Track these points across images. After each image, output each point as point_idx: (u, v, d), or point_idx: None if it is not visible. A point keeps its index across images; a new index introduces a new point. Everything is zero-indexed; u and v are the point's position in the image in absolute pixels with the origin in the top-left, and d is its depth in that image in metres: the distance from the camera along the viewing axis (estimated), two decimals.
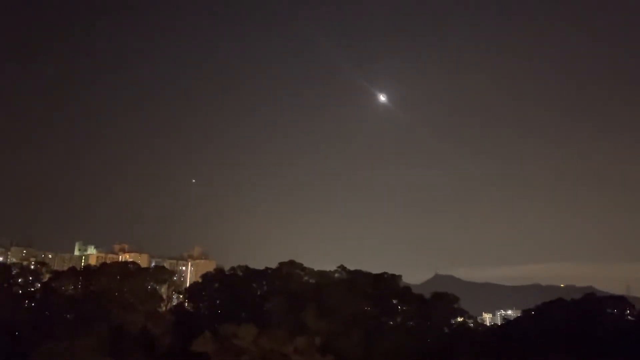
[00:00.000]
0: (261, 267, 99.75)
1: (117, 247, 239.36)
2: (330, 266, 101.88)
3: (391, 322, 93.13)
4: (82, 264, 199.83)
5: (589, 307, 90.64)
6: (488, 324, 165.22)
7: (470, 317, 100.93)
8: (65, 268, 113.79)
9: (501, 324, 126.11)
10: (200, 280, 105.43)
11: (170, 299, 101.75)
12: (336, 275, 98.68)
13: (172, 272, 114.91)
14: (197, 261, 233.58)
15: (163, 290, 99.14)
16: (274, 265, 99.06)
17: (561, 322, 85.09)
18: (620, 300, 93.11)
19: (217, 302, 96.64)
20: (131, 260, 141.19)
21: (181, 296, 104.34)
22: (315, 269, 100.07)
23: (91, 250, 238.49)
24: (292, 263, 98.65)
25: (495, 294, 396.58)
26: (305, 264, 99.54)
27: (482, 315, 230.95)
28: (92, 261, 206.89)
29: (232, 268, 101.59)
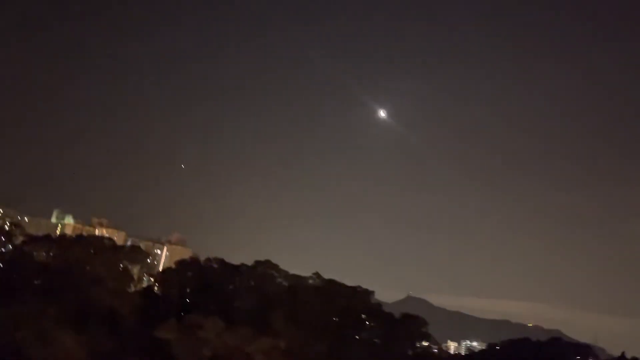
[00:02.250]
0: (237, 262, 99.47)
1: (95, 220, 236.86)
2: (305, 272, 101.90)
3: (357, 337, 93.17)
4: (58, 232, 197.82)
5: (554, 351, 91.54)
6: (452, 352, 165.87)
7: (435, 343, 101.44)
8: (41, 234, 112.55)
9: (465, 355, 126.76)
10: (174, 266, 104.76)
11: (141, 280, 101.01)
12: (310, 281, 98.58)
13: (147, 254, 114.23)
14: (174, 247, 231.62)
15: (135, 270, 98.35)
16: (250, 262, 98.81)
17: None
18: (586, 349, 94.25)
19: (188, 290, 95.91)
20: (108, 236, 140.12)
21: (152, 279, 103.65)
22: (290, 273, 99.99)
23: (69, 220, 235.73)
24: (267, 263, 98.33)
25: (464, 324, 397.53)
26: (281, 266, 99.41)
27: (447, 342, 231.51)
28: (69, 231, 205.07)
29: (208, 259, 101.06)
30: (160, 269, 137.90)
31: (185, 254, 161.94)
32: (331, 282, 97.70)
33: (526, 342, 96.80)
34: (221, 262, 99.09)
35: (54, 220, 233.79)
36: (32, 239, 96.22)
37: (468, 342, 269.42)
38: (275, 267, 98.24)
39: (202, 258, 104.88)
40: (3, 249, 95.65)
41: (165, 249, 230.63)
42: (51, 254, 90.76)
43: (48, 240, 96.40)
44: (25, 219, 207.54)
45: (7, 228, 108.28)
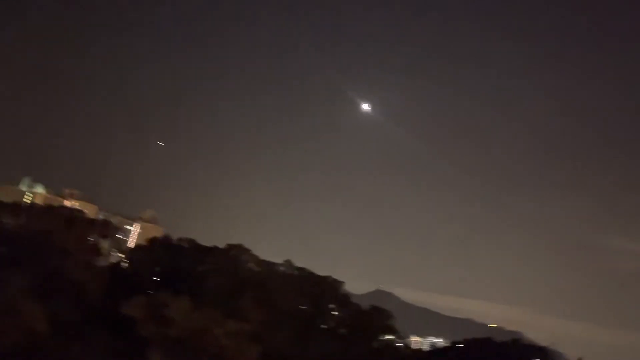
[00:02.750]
0: (210, 245, 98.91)
1: (67, 191, 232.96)
2: (277, 259, 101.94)
3: (324, 326, 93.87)
4: (28, 200, 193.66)
5: (514, 352, 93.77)
6: (416, 347, 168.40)
7: (400, 338, 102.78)
8: (9, 201, 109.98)
9: (427, 351, 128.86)
10: (145, 243, 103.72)
11: (109, 255, 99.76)
12: (281, 268, 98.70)
13: (118, 229, 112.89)
14: (146, 224, 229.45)
15: (105, 245, 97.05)
16: (222, 245, 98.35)
17: None
18: (544, 351, 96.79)
19: (157, 269, 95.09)
20: (79, 208, 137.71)
21: (122, 255, 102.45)
22: (262, 258, 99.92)
23: (39, 189, 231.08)
24: (240, 247, 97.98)
25: (429, 320, 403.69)
26: (253, 252, 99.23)
27: (411, 337, 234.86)
28: (39, 200, 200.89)
29: (180, 239, 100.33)
30: (131, 245, 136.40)
31: (157, 232, 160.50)
32: (302, 270, 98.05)
33: (488, 341, 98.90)
34: (193, 242, 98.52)
35: (23, 188, 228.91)
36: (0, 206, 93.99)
37: (432, 338, 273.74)
38: (247, 251, 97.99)
39: (175, 237, 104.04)
40: None
41: (137, 226, 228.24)
42: (19, 222, 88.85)
43: (16, 207, 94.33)
44: None
45: None
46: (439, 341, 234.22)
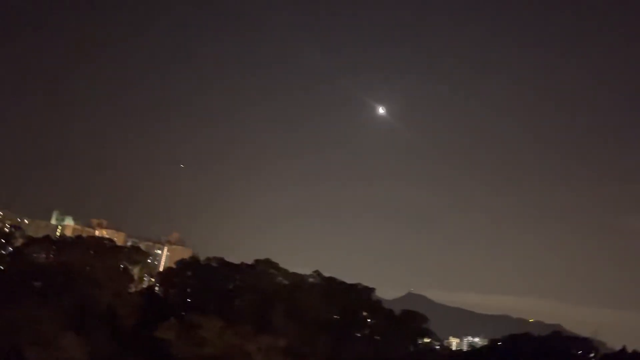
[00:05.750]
0: (237, 261, 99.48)
1: (95, 221, 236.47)
2: (305, 270, 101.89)
3: (358, 334, 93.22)
4: (58, 233, 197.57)
5: (555, 345, 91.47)
6: (454, 349, 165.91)
7: (437, 340, 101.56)
8: (41, 235, 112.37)
9: (466, 350, 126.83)
10: (174, 266, 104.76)
11: (141, 280, 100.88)
12: (310, 279, 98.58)
13: (147, 254, 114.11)
14: (174, 247, 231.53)
15: (135, 271, 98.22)
16: (250, 261, 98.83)
17: (526, 356, 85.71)
18: (586, 342, 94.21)
19: (188, 290, 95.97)
20: (108, 237, 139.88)
21: (152, 280, 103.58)
22: (290, 271, 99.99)
23: (68, 221, 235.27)
24: (267, 261, 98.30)
25: (464, 320, 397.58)
26: (281, 265, 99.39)
27: (449, 339, 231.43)
28: (68, 232, 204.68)
29: (208, 258, 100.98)
30: (161, 269, 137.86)
31: (185, 253, 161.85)
32: (331, 280, 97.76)
33: (527, 337, 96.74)
34: (221, 261, 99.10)
35: (53, 221, 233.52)
36: (31, 241, 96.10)
37: (470, 338, 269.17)
38: (275, 265, 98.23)
39: (202, 257, 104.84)
40: (3, 252, 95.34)
41: (165, 249, 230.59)
42: (51, 255, 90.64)
43: (47, 241, 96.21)
44: (25, 221, 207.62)
45: (6, 230, 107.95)
46: (477, 340, 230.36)
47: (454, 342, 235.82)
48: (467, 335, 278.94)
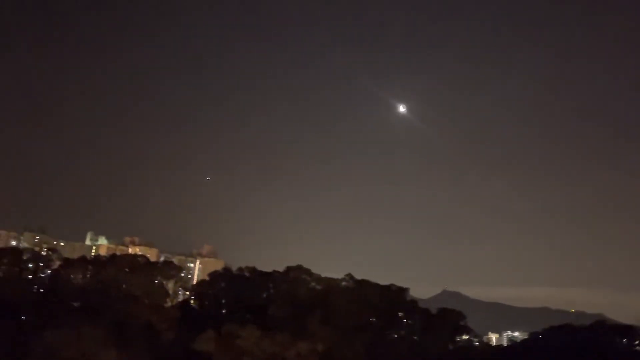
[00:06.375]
0: (269, 269, 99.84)
1: (127, 239, 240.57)
2: (337, 274, 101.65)
3: (395, 335, 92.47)
4: (93, 253, 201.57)
5: (598, 335, 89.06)
6: (494, 344, 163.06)
7: (476, 336, 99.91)
8: (76, 257, 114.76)
9: (507, 345, 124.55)
10: (207, 278, 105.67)
11: (176, 294, 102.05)
12: (343, 283, 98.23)
13: (180, 268, 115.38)
14: (206, 259, 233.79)
15: (170, 285, 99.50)
16: (281, 268, 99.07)
17: (569, 348, 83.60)
18: (630, 330, 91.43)
19: (223, 301, 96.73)
20: (141, 253, 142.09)
21: (187, 293, 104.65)
22: (323, 276, 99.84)
23: (102, 241, 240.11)
24: (299, 268, 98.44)
25: (502, 314, 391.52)
26: (313, 270, 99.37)
27: (488, 334, 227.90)
28: (103, 252, 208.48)
29: (240, 268, 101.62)
30: (195, 282, 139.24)
31: (217, 265, 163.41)
32: (364, 283, 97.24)
33: (569, 328, 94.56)
34: (253, 270, 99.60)
35: (88, 242, 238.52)
36: (68, 263, 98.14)
37: (509, 332, 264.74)
38: (307, 271, 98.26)
39: (234, 268, 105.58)
40: (42, 274, 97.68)
41: (197, 262, 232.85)
42: (87, 275, 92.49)
43: (83, 262, 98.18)
44: (61, 243, 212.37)
45: (43, 253, 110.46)
46: (517, 335, 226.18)
47: (493, 338, 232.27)
48: (506, 329, 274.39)
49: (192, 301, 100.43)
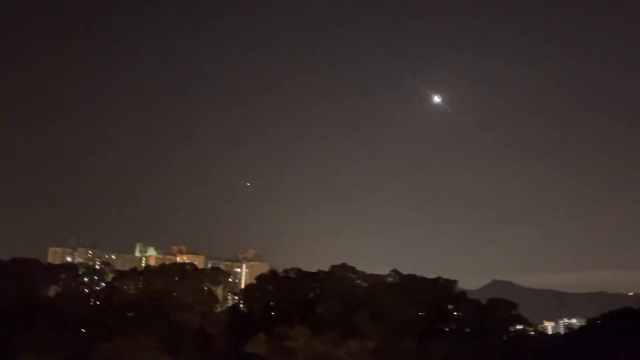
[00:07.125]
0: (314, 269, 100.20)
1: (175, 248, 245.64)
2: (383, 270, 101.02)
3: (446, 328, 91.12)
4: (143, 264, 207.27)
5: None
6: (550, 333, 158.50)
7: (530, 325, 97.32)
8: (127, 268, 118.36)
9: (564, 333, 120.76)
10: (254, 282, 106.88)
11: (225, 299, 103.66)
12: (389, 279, 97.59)
13: (228, 274, 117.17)
14: (252, 263, 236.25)
15: (219, 291, 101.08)
16: (326, 268, 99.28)
17: (630, 332, 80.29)
18: None
19: (271, 304, 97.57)
20: (188, 261, 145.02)
21: (236, 297, 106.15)
22: (368, 273, 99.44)
23: (151, 252, 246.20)
24: (344, 266, 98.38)
25: (557, 302, 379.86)
26: (358, 268, 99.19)
27: (543, 323, 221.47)
28: (152, 262, 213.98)
29: (285, 270, 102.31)
30: (242, 286, 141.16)
31: (263, 268, 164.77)
32: (411, 277, 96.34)
33: (628, 311, 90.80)
34: (298, 271, 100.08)
35: (137, 254, 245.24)
36: (120, 275, 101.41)
37: (566, 320, 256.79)
38: (352, 269, 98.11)
39: (280, 270, 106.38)
40: (97, 287, 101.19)
41: (244, 266, 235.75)
42: (139, 285, 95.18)
43: (135, 273, 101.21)
44: (113, 256, 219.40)
45: (97, 267, 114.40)
46: (574, 322, 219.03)
47: (549, 326, 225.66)
48: (562, 317, 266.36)
49: (241, 305, 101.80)
